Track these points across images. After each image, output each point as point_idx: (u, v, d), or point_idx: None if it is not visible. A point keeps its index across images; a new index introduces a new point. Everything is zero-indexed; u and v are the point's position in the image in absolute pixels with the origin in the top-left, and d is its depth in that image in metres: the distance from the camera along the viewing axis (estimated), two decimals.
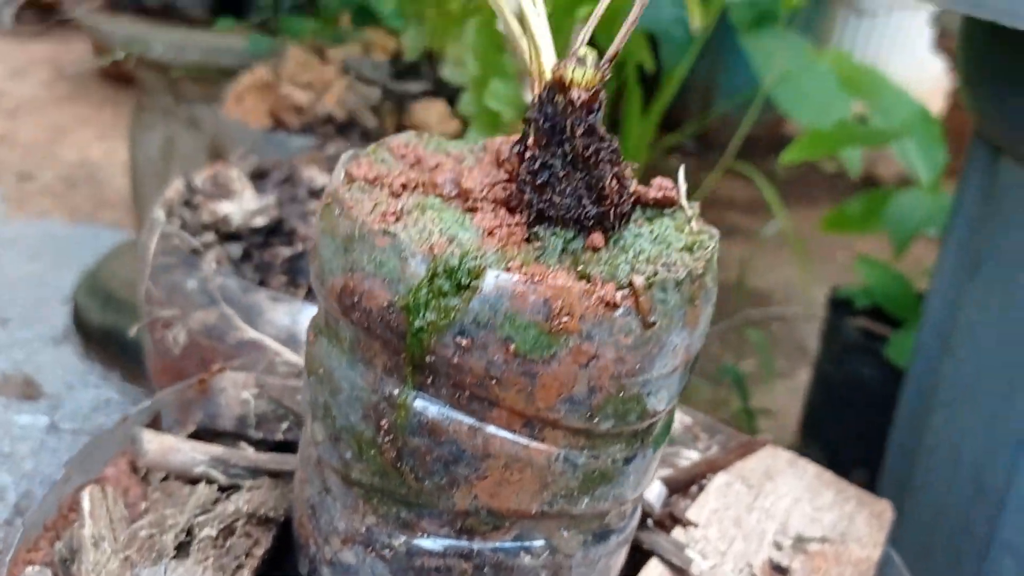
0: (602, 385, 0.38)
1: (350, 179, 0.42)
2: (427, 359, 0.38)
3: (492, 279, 0.37)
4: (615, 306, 0.37)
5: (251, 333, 0.65)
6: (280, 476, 0.55)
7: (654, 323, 0.38)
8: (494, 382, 0.37)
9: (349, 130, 1.25)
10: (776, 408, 1.79)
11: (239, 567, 0.44)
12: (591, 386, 0.38)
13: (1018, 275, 0.77)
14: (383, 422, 0.39)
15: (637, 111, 1.77)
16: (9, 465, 1.40)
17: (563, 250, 0.40)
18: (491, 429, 0.39)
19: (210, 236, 0.86)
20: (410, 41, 1.34)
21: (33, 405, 1.54)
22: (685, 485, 0.59)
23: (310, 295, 0.82)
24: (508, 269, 0.37)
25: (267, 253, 0.83)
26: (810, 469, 0.63)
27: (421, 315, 0.37)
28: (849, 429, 1.51)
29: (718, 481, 0.59)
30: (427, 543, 0.41)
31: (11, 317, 1.95)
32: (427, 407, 0.39)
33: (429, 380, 0.38)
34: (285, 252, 0.83)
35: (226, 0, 1.62)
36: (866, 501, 0.61)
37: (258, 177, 1.04)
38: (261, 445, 0.60)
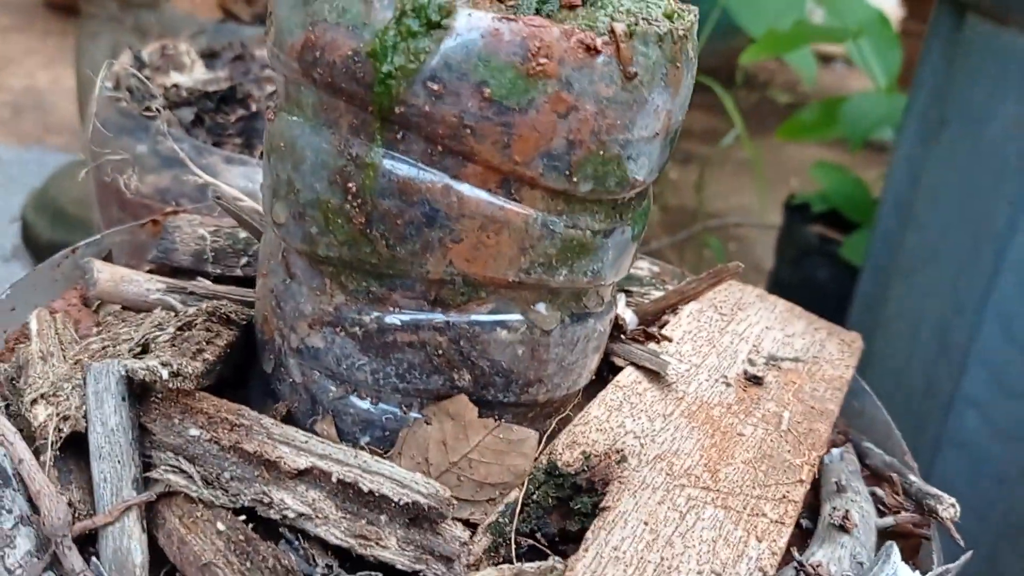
0: (582, 140, 0.37)
1: None
2: (396, 111, 0.36)
3: (464, 17, 0.35)
4: (596, 51, 0.36)
5: (207, 178, 0.62)
6: (241, 304, 0.52)
7: (635, 74, 0.37)
8: (468, 132, 0.36)
9: None
10: None
11: (199, 351, 0.42)
12: (570, 140, 0.36)
13: (984, 129, 0.76)
14: (350, 186, 0.37)
15: None
16: None
17: (537, 11, 0.38)
18: (465, 187, 0.37)
19: (159, 103, 0.83)
20: None
21: None
22: (656, 316, 0.58)
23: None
24: (483, 8, 0.35)
25: (220, 116, 0.80)
26: (780, 303, 0.62)
27: (389, 59, 0.35)
28: None
29: (690, 308, 0.58)
30: (400, 317, 0.39)
31: None
32: (397, 165, 0.37)
33: (399, 136, 0.36)
34: (239, 113, 0.79)
35: None
36: (836, 331, 0.61)
37: (209, 56, 1.01)
38: (220, 280, 0.58)
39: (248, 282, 0.58)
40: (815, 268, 1.50)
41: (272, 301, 0.43)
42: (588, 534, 0.38)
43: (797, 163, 2.59)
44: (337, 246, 0.39)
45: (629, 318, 0.57)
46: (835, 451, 0.55)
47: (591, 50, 0.35)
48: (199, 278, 0.58)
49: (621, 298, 0.60)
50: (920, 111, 0.89)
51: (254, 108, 0.81)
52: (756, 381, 0.52)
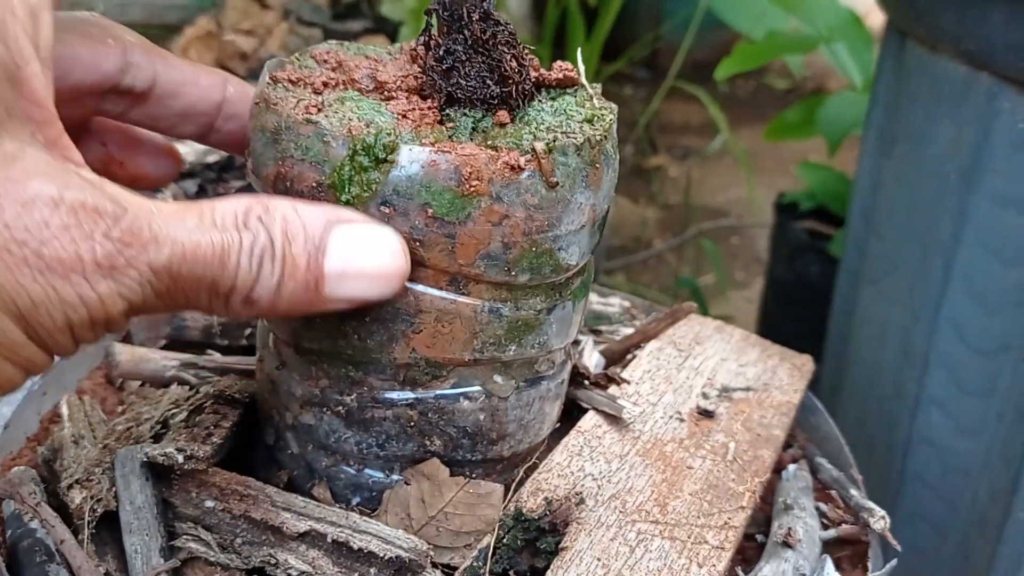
0: (515, 241, 0.43)
1: (275, 80, 0.46)
2: None
3: (407, 152, 0.41)
4: (520, 169, 0.42)
5: None
6: (246, 374, 0.59)
7: (556, 183, 0.43)
8: (418, 244, 0.42)
9: None
10: (735, 315, 1.86)
11: (208, 435, 0.49)
12: (505, 242, 0.43)
13: (925, 148, 0.82)
14: None
15: (580, 38, 1.81)
16: None
17: (473, 128, 0.45)
18: (420, 288, 0.43)
19: None
20: None
21: None
22: (621, 355, 0.65)
23: None
24: (421, 144, 0.42)
25: (221, 187, 0.87)
26: (736, 333, 0.68)
27: (347, 190, 0.42)
28: (802, 326, 1.57)
29: (650, 347, 0.64)
30: (375, 396, 0.46)
31: None
32: None
33: None
34: (238, 184, 0.86)
35: None
36: (788, 356, 0.67)
37: None
38: (227, 351, 0.65)
39: (253, 350, 0.64)
40: (807, 265, 1.55)
41: (268, 384, 0.50)
42: (548, 573, 0.45)
43: (797, 153, 2.64)
44: (318, 340, 0.45)
45: (595, 361, 0.63)
46: (790, 468, 0.61)
47: (515, 168, 0.42)
48: (209, 351, 0.65)
49: (589, 339, 0.66)
50: (876, 124, 0.95)
51: None
52: (708, 415, 0.58)
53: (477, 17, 0.44)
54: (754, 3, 1.63)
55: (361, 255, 0.40)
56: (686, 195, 2.16)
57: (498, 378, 0.47)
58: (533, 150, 0.42)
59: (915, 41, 0.83)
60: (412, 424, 0.46)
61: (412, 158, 0.41)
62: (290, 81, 0.46)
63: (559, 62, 0.49)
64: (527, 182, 0.42)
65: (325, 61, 0.49)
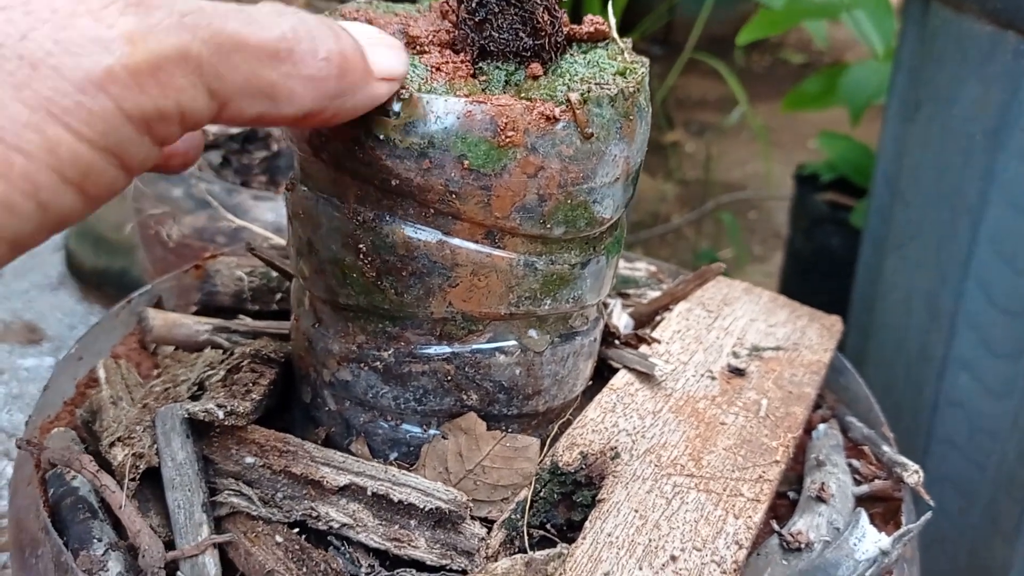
0: (551, 193, 0.43)
1: None
2: (393, 183, 0.42)
3: (442, 103, 0.41)
4: (555, 120, 0.42)
5: (239, 222, 0.69)
6: (279, 337, 0.60)
7: (592, 134, 0.43)
8: (454, 197, 0.42)
9: None
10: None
11: (248, 392, 0.49)
12: (540, 194, 0.43)
13: (951, 109, 0.81)
14: (361, 246, 0.44)
15: (597, 10, 1.80)
16: (20, 404, 1.46)
17: (506, 82, 0.45)
18: (456, 241, 0.44)
19: None
20: None
21: (37, 348, 1.59)
22: (650, 317, 0.65)
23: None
24: (456, 95, 0.42)
25: (245, 157, 0.87)
26: (765, 295, 0.68)
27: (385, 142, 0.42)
28: (822, 298, 1.57)
29: (679, 308, 0.64)
30: (412, 351, 0.46)
31: (3, 271, 1.98)
32: (398, 227, 0.43)
33: (397, 202, 0.43)
34: (262, 154, 0.87)
35: None
36: (817, 316, 0.67)
37: None
38: (259, 316, 0.66)
39: (284, 315, 0.65)
40: (828, 236, 1.55)
41: (305, 342, 0.50)
42: (586, 524, 0.45)
43: (814, 127, 2.62)
44: (355, 296, 0.46)
45: (624, 323, 0.63)
46: (821, 427, 0.61)
47: (551, 119, 0.42)
48: (241, 316, 0.66)
49: (618, 302, 0.66)
50: (900, 91, 0.94)
51: (275, 148, 0.88)
52: (739, 373, 0.58)
53: None
54: None
55: (373, 34, 0.41)
56: (704, 170, 2.15)
57: (533, 332, 0.47)
58: (568, 101, 0.42)
59: (939, 3, 0.83)
60: (449, 379, 0.47)
61: (448, 109, 0.41)
62: None
63: (590, 15, 0.49)
64: (562, 133, 0.42)
65: (355, 19, 0.49)
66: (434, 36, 0.46)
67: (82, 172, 0.30)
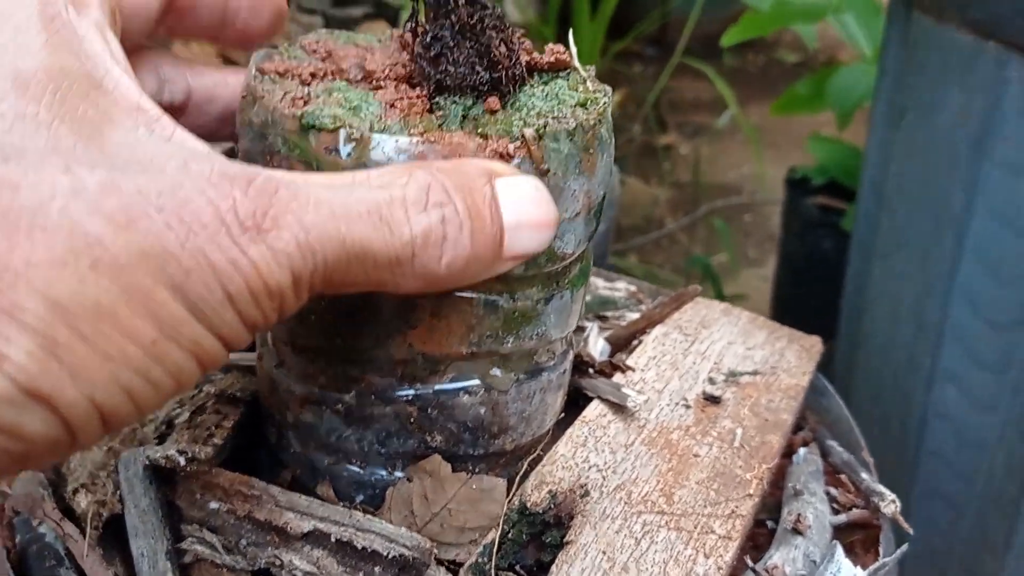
0: None
1: (262, 72, 0.45)
2: None
3: (394, 143, 0.40)
4: (510, 156, 0.41)
5: None
6: (249, 370, 0.59)
7: (547, 170, 0.42)
8: None
9: None
10: (749, 293, 1.85)
11: (210, 436, 0.48)
12: None
13: (935, 119, 0.81)
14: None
15: (586, 16, 1.79)
16: None
17: (464, 116, 0.44)
18: None
19: None
20: None
21: None
22: (627, 341, 0.64)
23: None
24: (409, 134, 0.41)
25: None
26: (744, 316, 0.67)
27: None
28: (817, 301, 1.56)
29: (656, 332, 0.63)
30: (374, 394, 0.45)
31: None
32: None
33: None
34: None
35: None
36: (796, 337, 0.66)
37: None
38: None
39: (253, 346, 0.64)
40: (820, 240, 1.54)
41: (268, 383, 0.49)
42: (552, 568, 0.44)
43: (808, 128, 2.61)
44: (314, 338, 0.45)
45: (600, 348, 0.63)
46: (801, 451, 0.60)
47: (504, 156, 0.41)
48: None
49: (595, 325, 0.65)
50: (885, 96, 0.93)
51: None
52: (714, 401, 0.57)
53: (464, 1, 0.43)
54: None
55: (527, 204, 0.39)
56: (696, 174, 2.14)
57: (496, 371, 0.46)
58: (522, 137, 0.42)
59: (921, 10, 0.82)
60: (412, 420, 0.46)
61: (400, 149, 0.40)
62: (277, 73, 0.45)
63: (551, 45, 0.49)
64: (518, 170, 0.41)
65: (315, 51, 0.48)
66: (391, 70, 0.45)
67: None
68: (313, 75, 0.45)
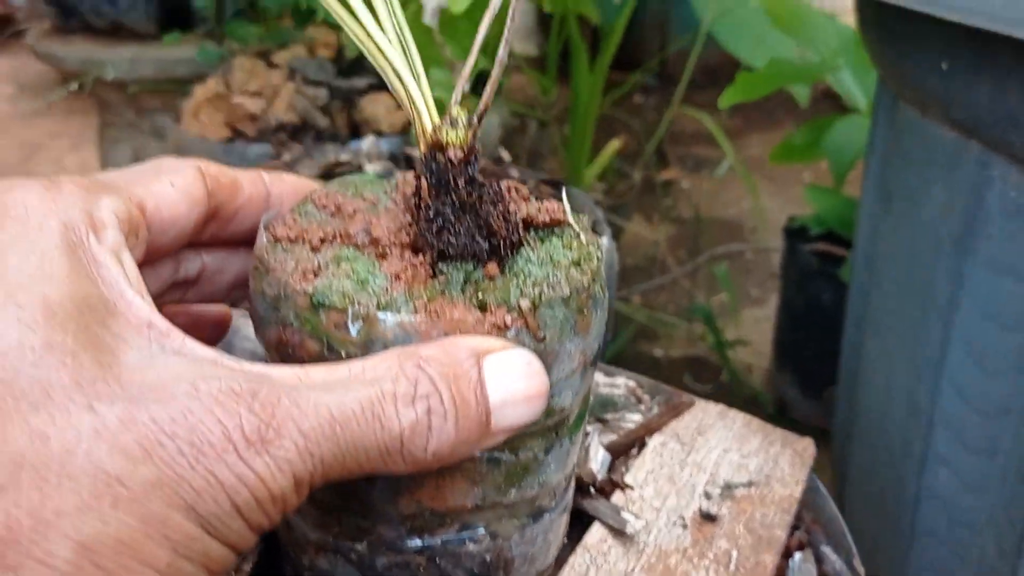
0: None
1: (274, 240, 0.48)
2: None
3: (394, 322, 0.43)
4: (507, 327, 0.44)
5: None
6: None
7: (544, 337, 0.45)
8: None
9: (302, 132, 1.30)
10: (750, 336, 1.87)
11: None
12: None
13: (920, 210, 0.83)
14: None
15: (584, 67, 1.82)
16: None
17: (465, 280, 0.46)
18: None
19: None
20: (348, 38, 1.39)
21: None
22: (626, 449, 0.67)
23: None
24: (414, 310, 0.44)
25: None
26: (739, 419, 0.70)
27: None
28: (818, 351, 1.59)
29: (654, 442, 0.66)
30: (384, 544, 0.48)
31: None
32: None
33: None
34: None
35: (171, 12, 1.66)
36: (790, 440, 0.68)
37: None
38: None
39: None
40: (819, 290, 1.56)
41: (286, 526, 0.52)
42: None
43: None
44: (328, 496, 0.48)
45: (600, 458, 0.65)
46: (796, 557, 0.62)
47: (503, 328, 0.43)
48: None
49: (596, 431, 0.68)
50: (875, 173, 0.96)
51: None
52: (710, 518, 0.59)
53: (463, 182, 0.46)
54: (754, 26, 1.64)
55: (515, 380, 0.42)
56: (698, 217, 2.17)
57: (501, 520, 0.49)
58: (519, 308, 0.44)
59: (905, 102, 0.84)
60: (421, 568, 0.48)
61: (404, 327, 0.43)
62: (288, 240, 0.48)
63: (546, 203, 0.51)
64: (516, 338, 0.44)
65: (324, 206, 0.51)
66: (395, 237, 0.48)
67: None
68: (323, 240, 0.48)
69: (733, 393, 1.73)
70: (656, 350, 1.89)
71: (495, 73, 0.46)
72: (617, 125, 2.34)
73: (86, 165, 2.84)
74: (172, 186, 0.47)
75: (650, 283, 1.99)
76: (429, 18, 1.14)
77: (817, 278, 1.56)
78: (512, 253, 0.48)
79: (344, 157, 1.16)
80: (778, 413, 1.67)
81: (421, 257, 0.47)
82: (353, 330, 0.43)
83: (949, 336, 0.81)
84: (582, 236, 0.50)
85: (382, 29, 0.48)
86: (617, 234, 1.86)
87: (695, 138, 2.89)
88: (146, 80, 1.71)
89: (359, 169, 1.16)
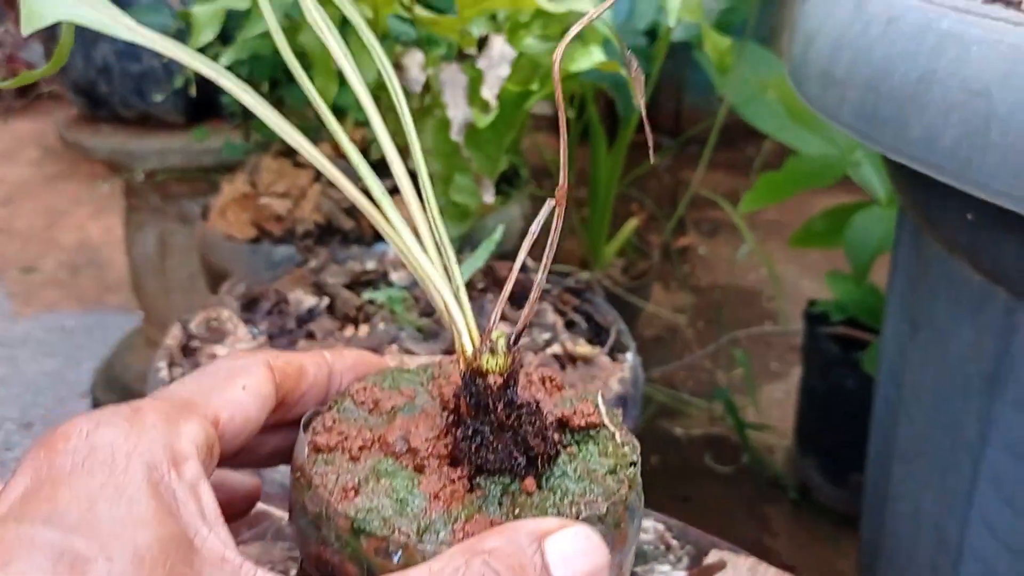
0: None
1: (316, 450, 0.49)
2: None
3: (433, 551, 0.44)
4: None
5: (259, 506, 0.72)
6: None
7: None
8: None
9: (328, 235, 1.32)
10: (770, 413, 1.87)
11: None
12: None
13: (949, 345, 0.83)
14: None
15: (603, 151, 1.84)
16: None
17: (503, 494, 0.47)
18: None
19: None
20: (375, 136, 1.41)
21: None
22: None
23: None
24: (452, 534, 0.44)
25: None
26: (770, 572, 0.70)
27: None
28: (841, 437, 1.58)
29: None
30: None
31: (34, 420, 2.02)
32: None
33: None
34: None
35: (199, 104, 1.69)
36: None
37: (249, 306, 1.12)
38: None
39: None
40: (842, 377, 1.56)
41: None
42: None
43: None
44: None
45: None
46: None
47: None
48: None
49: None
50: (899, 293, 0.96)
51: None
52: None
53: (502, 406, 0.47)
54: (776, 111, 1.65)
55: (578, 558, 0.42)
56: (716, 286, 2.18)
57: None
58: None
59: (931, 238, 0.85)
60: None
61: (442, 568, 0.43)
62: (328, 448, 0.49)
63: (581, 406, 0.52)
64: None
65: (362, 402, 0.52)
66: (433, 447, 0.49)
67: None
68: (362, 448, 0.49)
69: (754, 475, 1.73)
70: (676, 428, 1.89)
71: (533, 296, 0.47)
72: (632, 190, 2.35)
73: (110, 232, 2.88)
74: (243, 390, 0.49)
75: (670, 366, 1.99)
76: (455, 134, 1.16)
77: (839, 365, 1.56)
78: (549, 465, 0.49)
79: (370, 265, 1.18)
80: (801, 498, 1.66)
81: (459, 471, 0.48)
82: (395, 557, 0.44)
83: (978, 472, 0.81)
84: (617, 436, 0.51)
85: (424, 248, 0.50)
86: (636, 314, 1.87)
87: (711, 202, 2.90)
88: (174, 169, 1.74)
89: (384, 277, 1.17)
